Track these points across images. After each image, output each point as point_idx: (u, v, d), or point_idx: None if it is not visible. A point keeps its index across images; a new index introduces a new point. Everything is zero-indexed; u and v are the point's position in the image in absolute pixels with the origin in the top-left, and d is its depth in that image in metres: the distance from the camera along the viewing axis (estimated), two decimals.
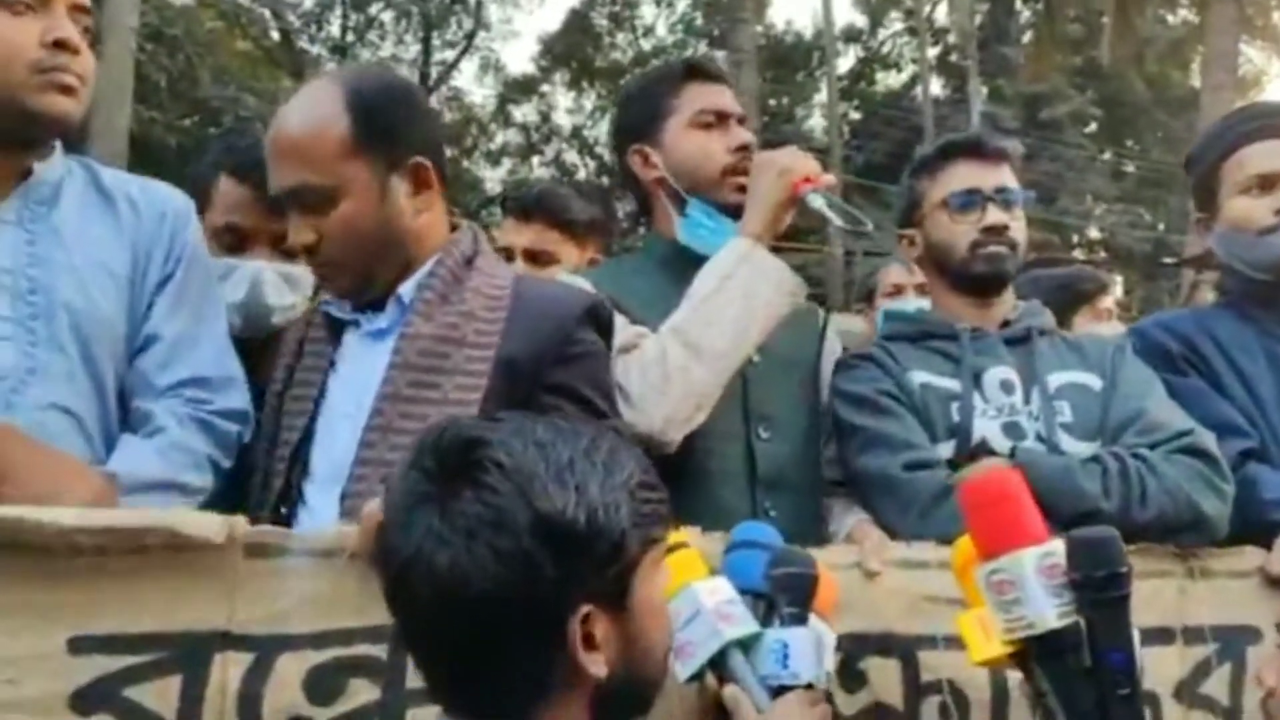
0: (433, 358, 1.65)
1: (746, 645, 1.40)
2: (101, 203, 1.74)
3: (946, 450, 1.89)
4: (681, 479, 1.81)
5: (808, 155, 1.93)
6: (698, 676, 1.40)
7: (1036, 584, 1.27)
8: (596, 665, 1.07)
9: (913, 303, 2.86)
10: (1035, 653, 1.30)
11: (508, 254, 2.66)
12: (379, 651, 1.44)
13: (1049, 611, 1.27)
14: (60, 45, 1.60)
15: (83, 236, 1.68)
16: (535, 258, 2.66)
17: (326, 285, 1.76)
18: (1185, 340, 2.10)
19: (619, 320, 1.89)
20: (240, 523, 1.46)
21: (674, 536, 1.40)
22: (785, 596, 1.43)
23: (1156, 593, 1.67)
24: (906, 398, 1.94)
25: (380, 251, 1.69)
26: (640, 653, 1.12)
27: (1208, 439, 1.83)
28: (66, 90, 1.62)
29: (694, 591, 1.38)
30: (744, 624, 1.40)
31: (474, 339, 1.67)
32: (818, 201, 1.84)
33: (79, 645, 1.36)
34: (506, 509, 1.03)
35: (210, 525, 1.42)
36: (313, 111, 1.66)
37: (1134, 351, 2.08)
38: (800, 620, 1.42)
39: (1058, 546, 1.31)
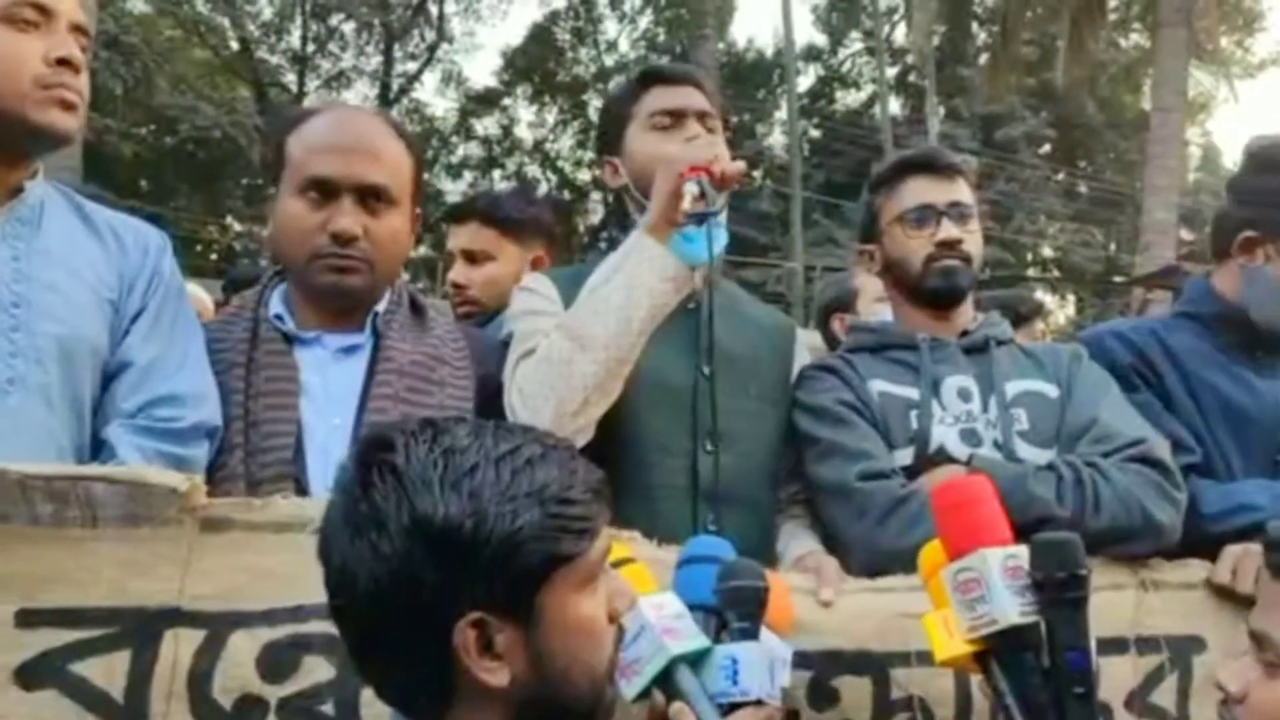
0: (423, 369, 1.85)
1: (696, 661, 1.35)
2: (86, 229, 1.75)
3: (905, 457, 1.91)
4: (624, 491, 1.78)
5: (710, 144, 1.88)
6: (645, 694, 1.35)
7: (1001, 582, 1.30)
8: (494, 674, 1.07)
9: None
10: (996, 651, 1.32)
11: (468, 257, 2.76)
12: (333, 629, 1.39)
13: (1012, 608, 1.29)
14: (64, 63, 1.64)
15: (71, 259, 1.68)
16: (472, 257, 2.75)
17: (349, 276, 1.81)
18: (1137, 351, 2.12)
19: (526, 323, 1.91)
20: (200, 487, 1.44)
21: (619, 552, 1.39)
22: (735, 611, 1.39)
23: (1111, 604, 1.69)
24: (865, 407, 1.96)
25: (395, 268, 1.91)
26: (558, 671, 1.10)
27: (1161, 447, 1.85)
28: (69, 106, 1.65)
29: (640, 606, 1.34)
30: (691, 639, 1.35)
31: (452, 359, 1.90)
32: (690, 188, 1.75)
33: (27, 618, 1.34)
34: (387, 510, 1.04)
35: (174, 476, 1.42)
36: (391, 138, 1.88)
37: (1110, 350, 2.10)
38: (751, 635, 1.39)
39: (1022, 550, 1.34)
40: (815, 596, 1.65)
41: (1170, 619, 1.73)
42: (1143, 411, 2.00)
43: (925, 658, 1.47)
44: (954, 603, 1.35)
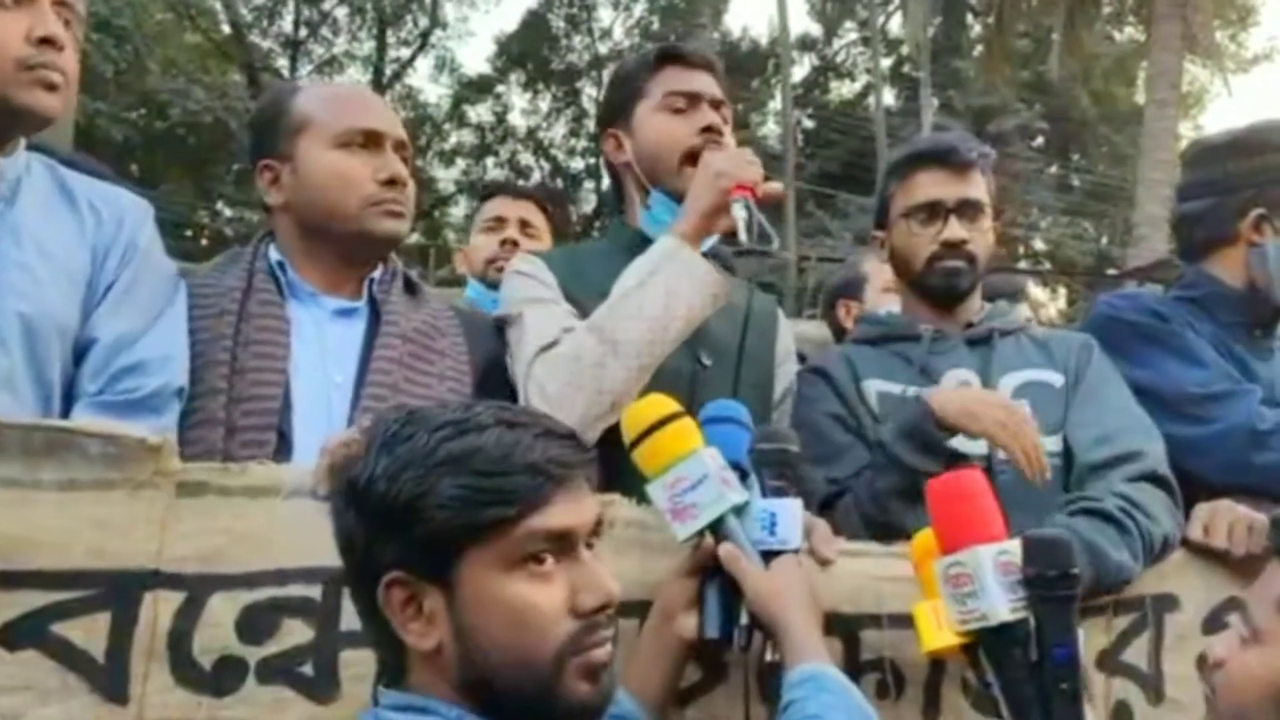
0: (425, 337, 1.88)
1: (739, 512, 1.45)
2: (64, 204, 1.72)
3: None
4: (619, 476, 1.81)
5: (753, 161, 1.86)
6: (698, 535, 1.45)
7: (992, 578, 1.34)
8: (420, 638, 1.11)
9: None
10: (985, 644, 1.37)
11: (499, 221, 3.11)
12: (312, 592, 1.44)
13: (1002, 605, 1.34)
14: (47, 42, 1.61)
15: (42, 236, 1.65)
16: (527, 227, 3.10)
17: (401, 221, 1.87)
18: (1150, 310, 2.19)
19: (536, 312, 1.90)
20: (172, 445, 1.46)
21: (665, 408, 1.46)
22: (771, 470, 1.50)
23: None
24: (852, 416, 1.97)
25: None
26: (480, 649, 1.11)
27: (1163, 462, 1.86)
28: (51, 87, 1.63)
29: (702, 456, 1.43)
30: (739, 492, 1.45)
31: (450, 332, 1.93)
32: (738, 212, 1.77)
33: (7, 580, 1.35)
34: (341, 483, 1.16)
35: (144, 429, 1.46)
36: None
37: (1122, 310, 2.18)
38: (784, 493, 1.48)
39: (1014, 545, 1.38)
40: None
41: (1147, 578, 1.76)
42: (1178, 346, 2.09)
43: (897, 620, 1.54)
44: (944, 595, 1.39)
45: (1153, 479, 1.82)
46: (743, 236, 1.76)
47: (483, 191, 3.54)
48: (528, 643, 1.11)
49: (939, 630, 1.40)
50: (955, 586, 1.37)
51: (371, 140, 1.85)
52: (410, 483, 1.09)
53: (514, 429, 1.13)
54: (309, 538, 1.43)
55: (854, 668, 1.60)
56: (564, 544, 1.14)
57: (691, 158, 1.97)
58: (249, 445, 1.65)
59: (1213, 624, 1.77)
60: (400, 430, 1.13)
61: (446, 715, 1.11)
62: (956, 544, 1.39)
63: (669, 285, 1.78)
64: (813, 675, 1.31)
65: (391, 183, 1.84)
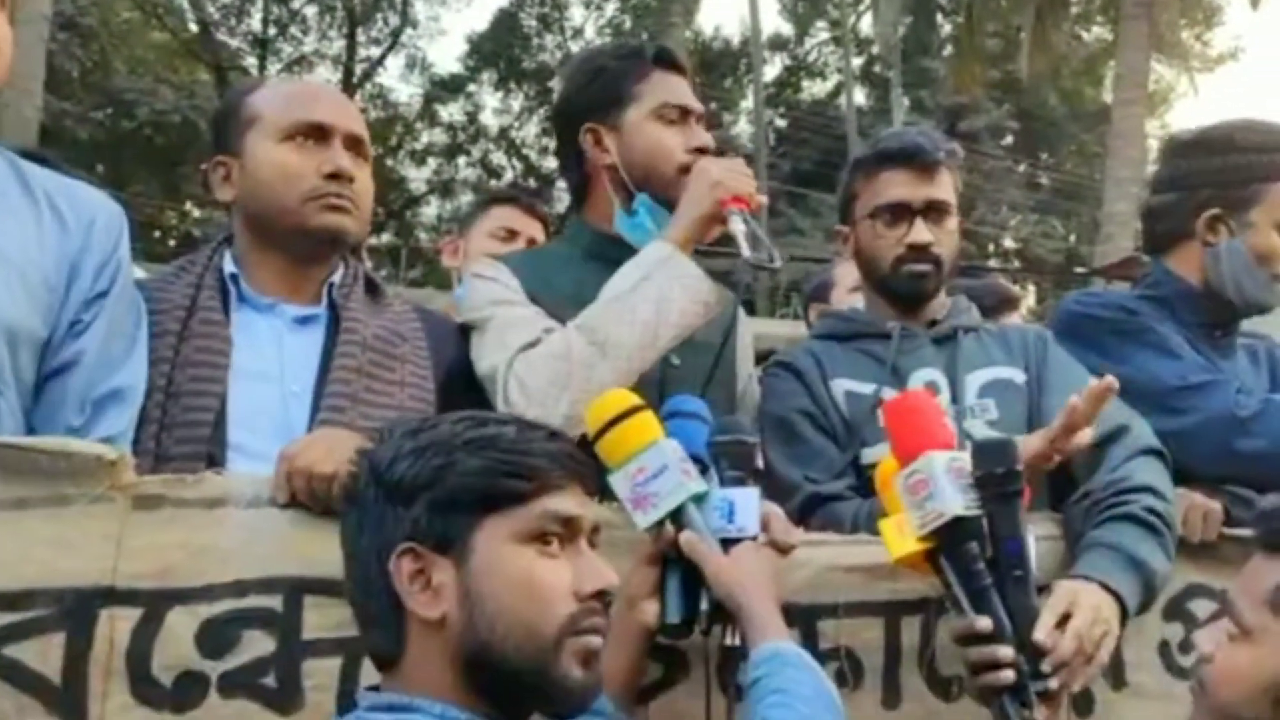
0: (385, 343, 1.83)
1: (698, 500, 1.49)
2: (24, 201, 1.63)
3: (877, 454, 1.86)
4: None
5: (746, 172, 1.86)
6: (658, 525, 1.48)
7: (946, 480, 1.45)
8: (427, 606, 1.13)
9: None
10: (944, 545, 1.46)
11: (512, 234, 3.07)
12: (273, 603, 1.42)
13: (957, 501, 1.44)
14: None
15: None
16: (516, 237, 3.06)
17: (345, 216, 1.81)
18: (1118, 306, 2.20)
19: (506, 313, 1.88)
20: (129, 461, 1.43)
21: (628, 400, 1.50)
22: (728, 461, 1.54)
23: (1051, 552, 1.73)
24: (824, 414, 1.96)
25: (367, 225, 1.91)
26: (486, 617, 1.13)
27: (1153, 436, 1.86)
28: None
29: (663, 447, 1.47)
30: (698, 482, 1.49)
31: (411, 336, 1.88)
32: (737, 225, 1.78)
33: None
34: (364, 468, 1.21)
35: (100, 446, 1.42)
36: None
37: (1091, 306, 2.20)
38: (742, 482, 1.53)
39: (964, 455, 1.49)
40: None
41: None
42: (1152, 340, 2.10)
43: (852, 609, 1.61)
44: (906, 505, 1.48)
45: (1149, 452, 1.82)
46: (747, 252, 1.76)
47: (494, 194, 3.48)
48: (533, 615, 1.14)
49: (903, 538, 1.47)
50: (914, 494, 1.46)
51: (318, 134, 1.80)
52: (435, 458, 1.15)
53: (531, 428, 1.22)
54: (268, 548, 1.43)
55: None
56: (570, 531, 1.20)
57: (685, 171, 1.94)
58: (179, 474, 1.57)
59: (1172, 611, 1.80)
60: (424, 424, 1.20)
61: (430, 712, 1.11)
62: (912, 453, 1.48)
63: (661, 291, 1.77)
64: (777, 652, 1.35)
65: (335, 176, 1.78)
